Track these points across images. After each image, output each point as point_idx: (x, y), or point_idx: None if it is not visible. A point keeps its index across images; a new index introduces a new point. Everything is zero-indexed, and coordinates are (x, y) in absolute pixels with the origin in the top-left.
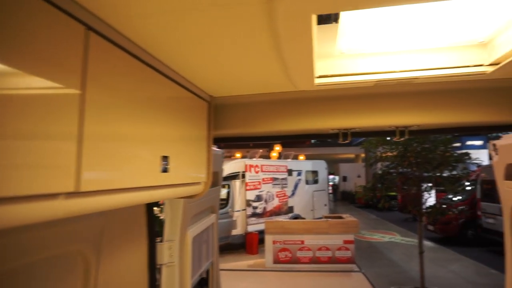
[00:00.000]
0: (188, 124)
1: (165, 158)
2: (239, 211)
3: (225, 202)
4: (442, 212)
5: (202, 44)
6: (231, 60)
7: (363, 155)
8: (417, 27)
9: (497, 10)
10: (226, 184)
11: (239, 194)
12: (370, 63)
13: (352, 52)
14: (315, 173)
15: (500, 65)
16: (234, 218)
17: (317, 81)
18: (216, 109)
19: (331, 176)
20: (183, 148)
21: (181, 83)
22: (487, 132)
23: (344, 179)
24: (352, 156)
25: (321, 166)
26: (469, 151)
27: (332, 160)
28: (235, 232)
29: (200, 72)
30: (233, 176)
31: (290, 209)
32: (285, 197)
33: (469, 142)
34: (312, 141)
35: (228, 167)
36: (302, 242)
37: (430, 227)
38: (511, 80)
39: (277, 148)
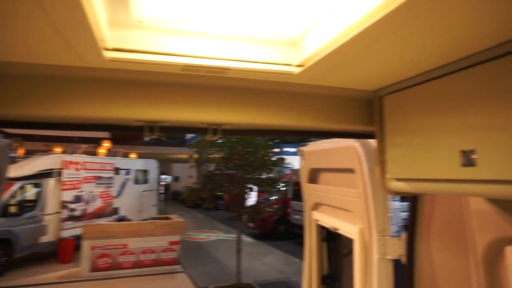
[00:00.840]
0: None
1: None
2: (51, 214)
3: (33, 204)
4: (258, 211)
5: None
6: None
7: (196, 155)
8: (229, 9)
9: (306, 7)
10: (36, 183)
11: (53, 194)
12: (176, 42)
13: (154, 24)
14: (145, 172)
15: (305, 67)
16: (44, 223)
17: (110, 54)
18: None
19: (163, 176)
20: None
21: None
22: (297, 137)
23: (176, 179)
24: (186, 156)
25: (152, 165)
26: (285, 156)
27: (166, 160)
28: (45, 238)
29: None
30: (46, 174)
31: (115, 211)
32: (110, 197)
33: (285, 149)
34: (146, 139)
35: (39, 163)
36: (125, 246)
37: (251, 225)
38: (315, 87)
39: (106, 144)
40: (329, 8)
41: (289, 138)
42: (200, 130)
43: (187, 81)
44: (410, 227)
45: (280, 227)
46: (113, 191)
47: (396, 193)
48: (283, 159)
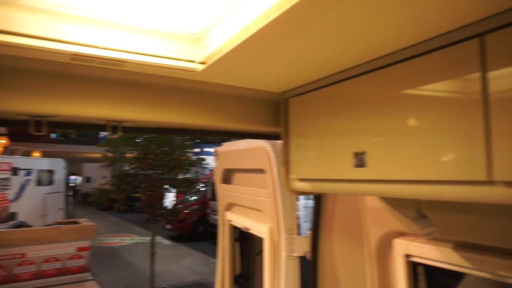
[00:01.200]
0: None
1: None
2: None
3: None
4: (174, 213)
5: None
6: None
7: (110, 154)
8: None
9: (208, 2)
10: None
11: None
12: (64, 27)
13: (35, 4)
14: (50, 172)
15: (207, 64)
16: None
17: None
18: None
19: (72, 177)
20: None
21: None
22: (204, 136)
23: (88, 180)
24: (100, 155)
25: (58, 165)
26: (205, 156)
27: (77, 159)
28: None
29: None
30: None
31: (12, 216)
32: (6, 201)
33: (206, 149)
34: (53, 135)
35: None
36: (24, 255)
37: (168, 226)
38: (221, 86)
39: (2, 141)
40: (231, 5)
41: (210, 138)
42: (98, 127)
43: (80, 72)
44: (314, 225)
45: (199, 228)
46: (10, 194)
47: (299, 193)
48: (201, 159)
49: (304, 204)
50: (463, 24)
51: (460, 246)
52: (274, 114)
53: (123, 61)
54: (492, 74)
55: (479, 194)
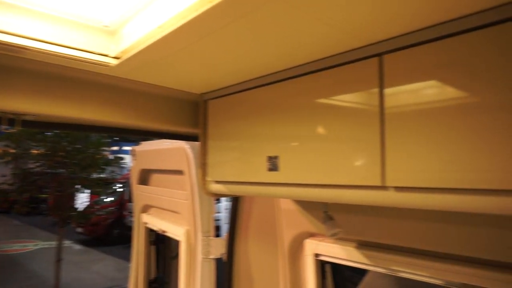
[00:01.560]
0: None
1: None
2: None
3: None
4: (85, 215)
5: None
6: None
7: (12, 150)
8: None
9: None
10: None
11: None
12: None
13: None
14: None
15: (121, 60)
16: None
17: None
18: None
19: None
20: None
21: None
22: (118, 135)
23: None
24: None
25: None
26: (124, 155)
27: None
28: None
29: None
30: None
31: None
32: None
33: (125, 147)
34: None
35: None
36: None
37: (79, 230)
38: (139, 83)
39: None
40: (146, 1)
41: (132, 137)
42: None
43: None
44: (231, 226)
45: (114, 231)
46: None
47: (215, 195)
48: (119, 158)
49: (226, 206)
50: (366, 44)
51: (361, 245)
52: (192, 115)
53: (24, 48)
54: (388, 91)
55: (375, 198)
